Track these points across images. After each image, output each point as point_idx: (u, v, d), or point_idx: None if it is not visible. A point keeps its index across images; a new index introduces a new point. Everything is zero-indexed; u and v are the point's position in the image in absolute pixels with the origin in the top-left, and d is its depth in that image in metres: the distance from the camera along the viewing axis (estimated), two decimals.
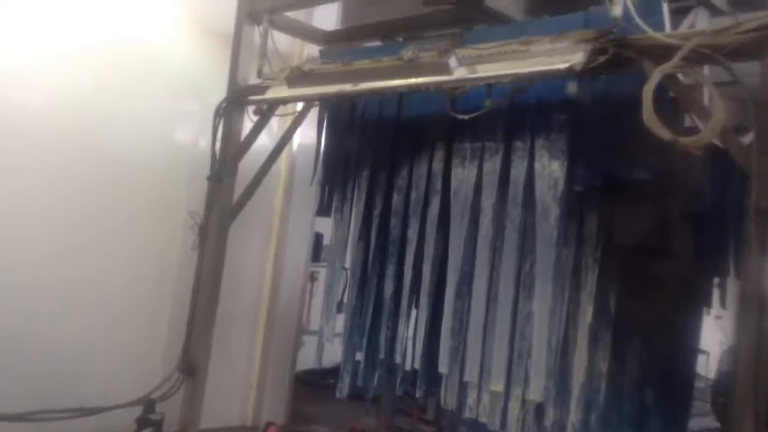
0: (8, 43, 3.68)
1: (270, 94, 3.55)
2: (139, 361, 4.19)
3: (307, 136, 4.62)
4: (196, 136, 4.43)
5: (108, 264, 4.09)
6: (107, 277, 4.08)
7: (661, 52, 2.27)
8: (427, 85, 2.83)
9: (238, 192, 4.06)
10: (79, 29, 3.91)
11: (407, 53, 2.79)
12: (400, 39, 3.86)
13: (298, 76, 3.25)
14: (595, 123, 2.81)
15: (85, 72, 3.96)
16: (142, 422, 3.80)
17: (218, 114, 3.93)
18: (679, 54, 2.19)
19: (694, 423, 3.72)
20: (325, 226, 5.01)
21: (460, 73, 2.71)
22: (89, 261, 4.02)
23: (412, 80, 2.86)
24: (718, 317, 3.90)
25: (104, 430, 3.82)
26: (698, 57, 2.22)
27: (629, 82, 2.55)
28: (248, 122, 3.99)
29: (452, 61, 2.68)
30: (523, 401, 2.98)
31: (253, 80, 3.91)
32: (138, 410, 3.84)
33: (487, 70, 2.66)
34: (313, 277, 5.95)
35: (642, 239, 2.80)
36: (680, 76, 2.36)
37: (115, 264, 4.12)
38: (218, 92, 4.05)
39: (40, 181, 3.78)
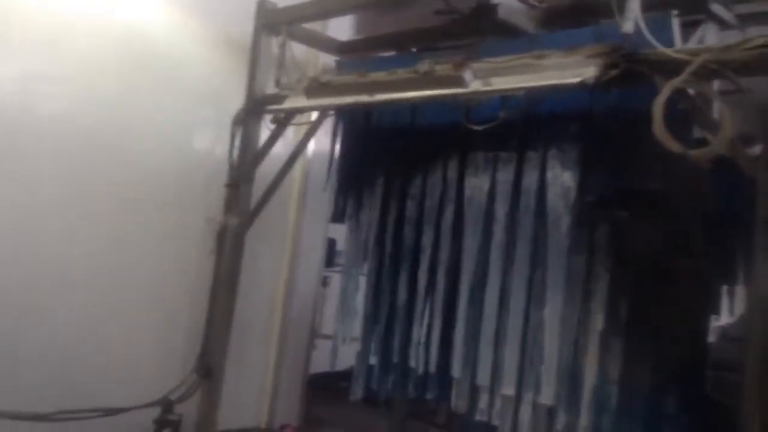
0: (30, 50, 3.77)
1: (288, 104, 3.64)
2: (157, 363, 4.27)
3: (322, 143, 4.70)
4: (213, 143, 4.51)
5: (127, 268, 4.17)
6: (126, 281, 4.16)
7: (671, 67, 2.34)
8: (442, 97, 2.91)
9: (254, 199, 4.14)
10: (100, 37, 3.99)
11: (423, 66, 2.87)
12: (414, 49, 3.94)
13: (317, 87, 3.34)
14: (607, 134, 2.89)
15: (104, 80, 4.03)
16: (160, 423, 3.89)
17: (236, 122, 4.02)
18: (688, 69, 2.26)
19: None
20: (338, 231, 5.11)
21: (474, 85, 2.79)
22: (108, 265, 4.09)
23: (427, 92, 2.94)
24: None
25: (123, 430, 3.90)
26: (707, 72, 2.29)
27: (640, 94, 2.62)
28: (265, 131, 4.09)
29: (467, 75, 2.76)
30: (535, 405, 3.06)
31: (270, 90, 4.00)
32: (157, 411, 3.93)
33: (501, 83, 2.74)
34: (325, 282, 6.04)
35: (652, 248, 2.86)
36: (690, 90, 2.43)
37: (133, 268, 4.20)
38: (235, 101, 4.14)
39: (60, 188, 3.86)
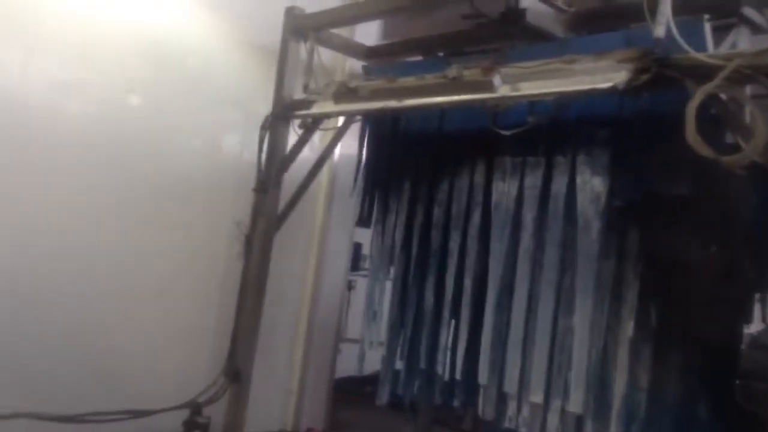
0: (63, 54, 3.83)
1: (316, 109, 3.66)
2: (185, 365, 4.31)
3: (348, 148, 4.72)
4: (241, 148, 4.56)
5: (155, 271, 4.22)
6: (155, 284, 4.21)
7: (704, 72, 2.31)
8: (470, 102, 2.91)
9: (282, 203, 4.17)
10: (128, 41, 4.04)
11: (452, 71, 2.87)
12: (441, 54, 3.94)
13: (345, 93, 3.36)
14: (637, 139, 2.86)
15: (133, 85, 4.09)
16: (189, 425, 3.92)
17: (264, 127, 4.05)
18: (721, 74, 2.23)
19: None
20: (364, 236, 5.13)
21: (503, 90, 2.79)
22: (137, 269, 4.15)
23: (456, 97, 2.94)
24: None
25: None
26: (740, 77, 2.26)
27: (671, 99, 2.59)
28: (292, 135, 4.11)
29: (496, 80, 2.76)
30: (563, 413, 3.03)
31: (298, 95, 4.02)
32: (185, 413, 3.96)
33: (530, 88, 2.73)
34: (350, 286, 6.05)
35: (683, 254, 2.83)
36: (722, 95, 2.40)
37: (162, 272, 4.25)
38: (263, 105, 4.17)
39: (89, 191, 3.92)
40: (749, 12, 2.83)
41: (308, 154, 4.40)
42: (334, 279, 5.22)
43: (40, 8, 3.72)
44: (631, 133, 2.88)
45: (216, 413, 4.05)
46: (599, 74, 2.56)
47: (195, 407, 3.98)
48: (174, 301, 4.30)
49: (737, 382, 3.07)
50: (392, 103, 3.17)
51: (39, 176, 3.74)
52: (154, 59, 4.13)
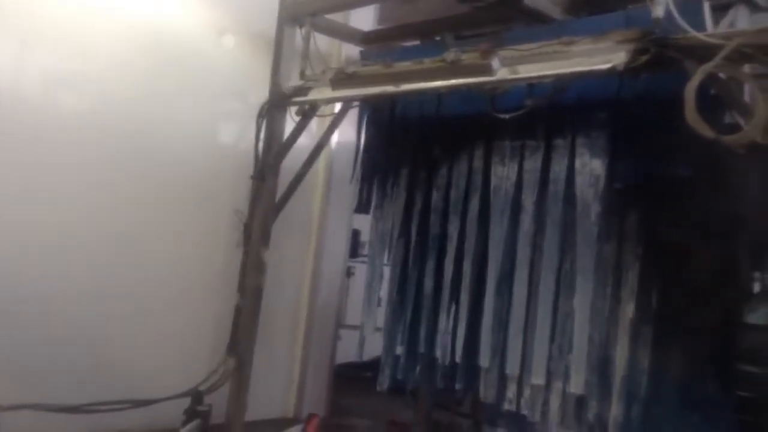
0: (57, 46, 3.82)
1: (313, 96, 3.65)
2: (185, 354, 4.33)
3: (345, 134, 4.71)
4: (239, 136, 4.56)
5: (156, 261, 4.24)
6: (156, 274, 4.23)
7: (703, 52, 2.30)
8: (468, 86, 2.90)
9: (280, 191, 4.16)
10: (125, 33, 4.03)
11: (450, 55, 2.85)
12: (438, 38, 3.91)
13: (342, 78, 3.34)
14: (636, 120, 2.85)
15: (131, 75, 4.09)
16: (190, 414, 3.92)
17: (261, 115, 4.03)
18: (721, 54, 2.22)
19: None
20: (362, 222, 5.13)
21: (501, 73, 2.77)
22: (138, 259, 4.16)
23: (454, 81, 2.93)
24: None
25: (153, 421, 3.96)
26: (740, 56, 2.25)
27: (670, 79, 2.58)
28: (290, 122, 4.09)
29: (495, 63, 2.74)
30: (564, 394, 3.04)
31: (294, 81, 4.00)
32: (186, 402, 3.97)
33: (529, 71, 2.72)
34: (349, 273, 6.06)
35: (683, 236, 2.83)
36: (721, 75, 2.39)
37: (162, 261, 4.26)
38: (259, 93, 4.14)
39: (87, 185, 3.93)
40: None
41: (306, 142, 4.38)
42: (333, 266, 5.23)
43: (32, 2, 3.70)
44: (631, 114, 2.87)
45: (217, 401, 4.06)
46: (598, 56, 2.55)
47: (196, 395, 3.98)
48: (174, 290, 4.31)
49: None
50: (390, 88, 3.15)
51: (34, 170, 3.74)
52: (149, 49, 4.13)
